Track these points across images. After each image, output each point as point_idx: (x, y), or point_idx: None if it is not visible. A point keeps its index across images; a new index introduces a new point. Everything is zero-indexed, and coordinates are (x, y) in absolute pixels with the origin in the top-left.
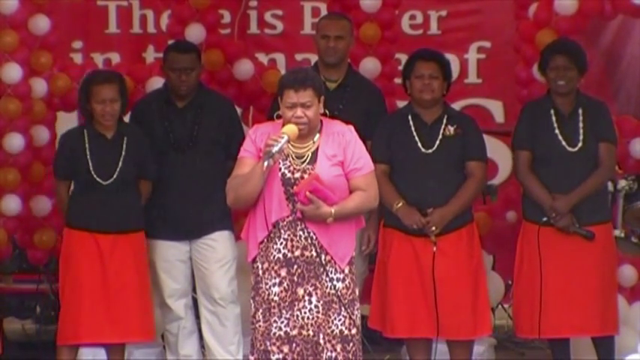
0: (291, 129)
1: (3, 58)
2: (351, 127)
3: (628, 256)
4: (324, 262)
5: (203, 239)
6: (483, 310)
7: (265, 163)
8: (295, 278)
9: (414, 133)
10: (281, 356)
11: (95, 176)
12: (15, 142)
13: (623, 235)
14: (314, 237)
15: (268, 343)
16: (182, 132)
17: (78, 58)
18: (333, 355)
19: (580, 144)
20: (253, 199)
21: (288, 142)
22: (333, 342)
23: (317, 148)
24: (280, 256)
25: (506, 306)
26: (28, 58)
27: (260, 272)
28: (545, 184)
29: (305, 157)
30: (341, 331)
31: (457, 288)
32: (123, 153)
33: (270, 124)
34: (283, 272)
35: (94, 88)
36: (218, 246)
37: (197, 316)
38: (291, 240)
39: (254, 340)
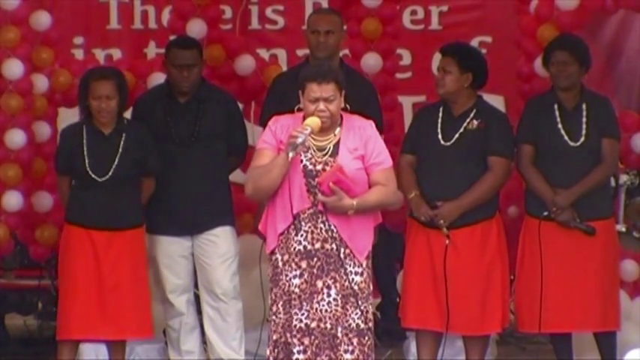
0: (314, 121)
1: (4, 54)
2: (372, 123)
3: (630, 251)
4: (343, 255)
5: (205, 235)
6: (494, 307)
7: (290, 155)
8: (315, 271)
9: (439, 125)
10: (302, 348)
11: (91, 173)
12: (16, 138)
13: (625, 229)
14: (334, 230)
15: (289, 335)
16: (184, 127)
17: (79, 54)
18: (350, 348)
19: (582, 139)
20: (273, 190)
21: (311, 134)
22: (350, 335)
23: (338, 141)
24: (301, 248)
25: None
26: (30, 54)
27: (280, 264)
28: (546, 179)
29: (326, 150)
30: (357, 325)
31: (466, 283)
32: (120, 150)
33: (290, 116)
34: (304, 264)
35: (92, 84)
36: (220, 241)
37: (199, 312)
38: (312, 232)
39: (272, 332)
